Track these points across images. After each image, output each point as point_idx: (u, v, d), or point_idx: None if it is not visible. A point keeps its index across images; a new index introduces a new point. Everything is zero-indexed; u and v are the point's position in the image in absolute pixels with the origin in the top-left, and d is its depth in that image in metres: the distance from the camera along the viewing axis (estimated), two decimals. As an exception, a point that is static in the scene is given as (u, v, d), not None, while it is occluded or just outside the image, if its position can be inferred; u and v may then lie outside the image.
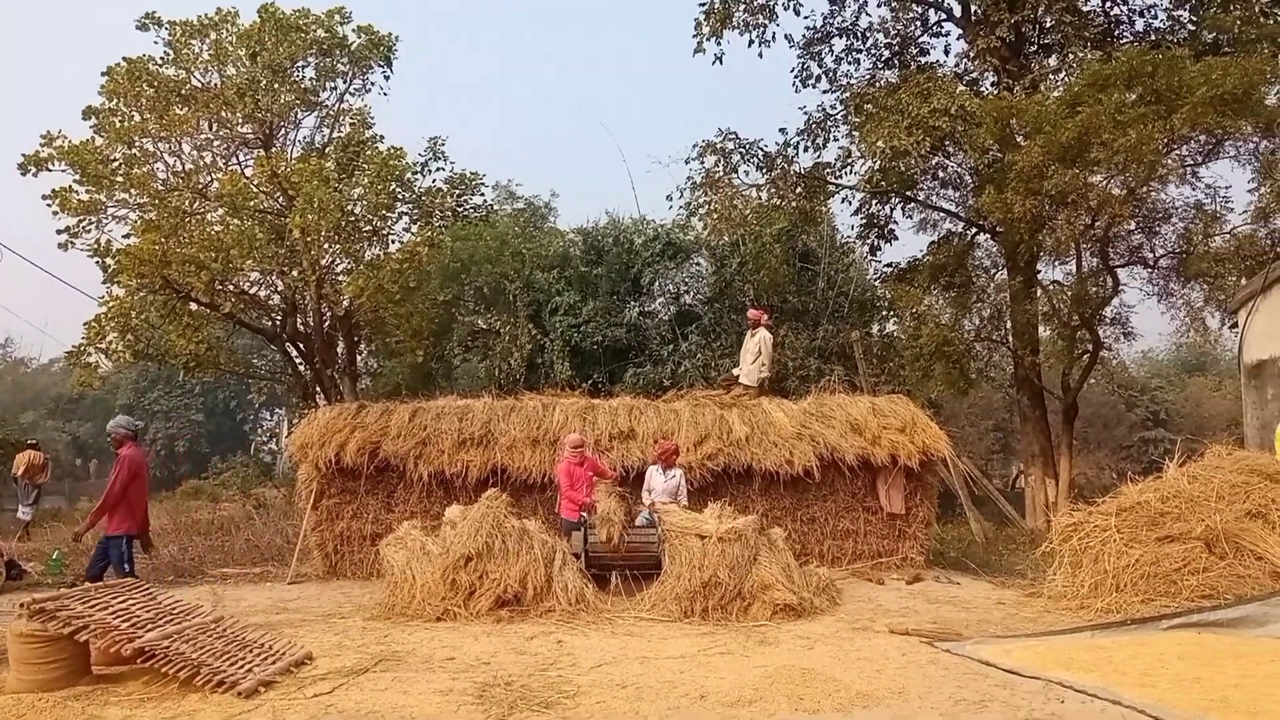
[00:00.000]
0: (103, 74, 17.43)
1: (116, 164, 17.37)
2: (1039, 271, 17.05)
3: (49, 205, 17.07)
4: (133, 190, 17.23)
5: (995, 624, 7.92)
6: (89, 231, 17.36)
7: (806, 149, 18.32)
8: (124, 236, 17.23)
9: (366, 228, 17.20)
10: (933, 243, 18.79)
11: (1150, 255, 16.41)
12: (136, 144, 17.62)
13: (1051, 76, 16.77)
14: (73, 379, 19.45)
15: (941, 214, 18.87)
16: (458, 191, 20.00)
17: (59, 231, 17.28)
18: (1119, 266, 16.45)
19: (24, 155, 17.03)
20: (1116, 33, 17.55)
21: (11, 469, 17.02)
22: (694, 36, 17.82)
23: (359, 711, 5.40)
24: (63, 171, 17.21)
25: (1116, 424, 29.69)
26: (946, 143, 16.57)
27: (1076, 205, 14.20)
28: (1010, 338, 17.27)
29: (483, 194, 20.77)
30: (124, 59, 17.49)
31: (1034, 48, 17.64)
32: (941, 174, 18.34)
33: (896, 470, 11.16)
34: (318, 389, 18.69)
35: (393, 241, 18.39)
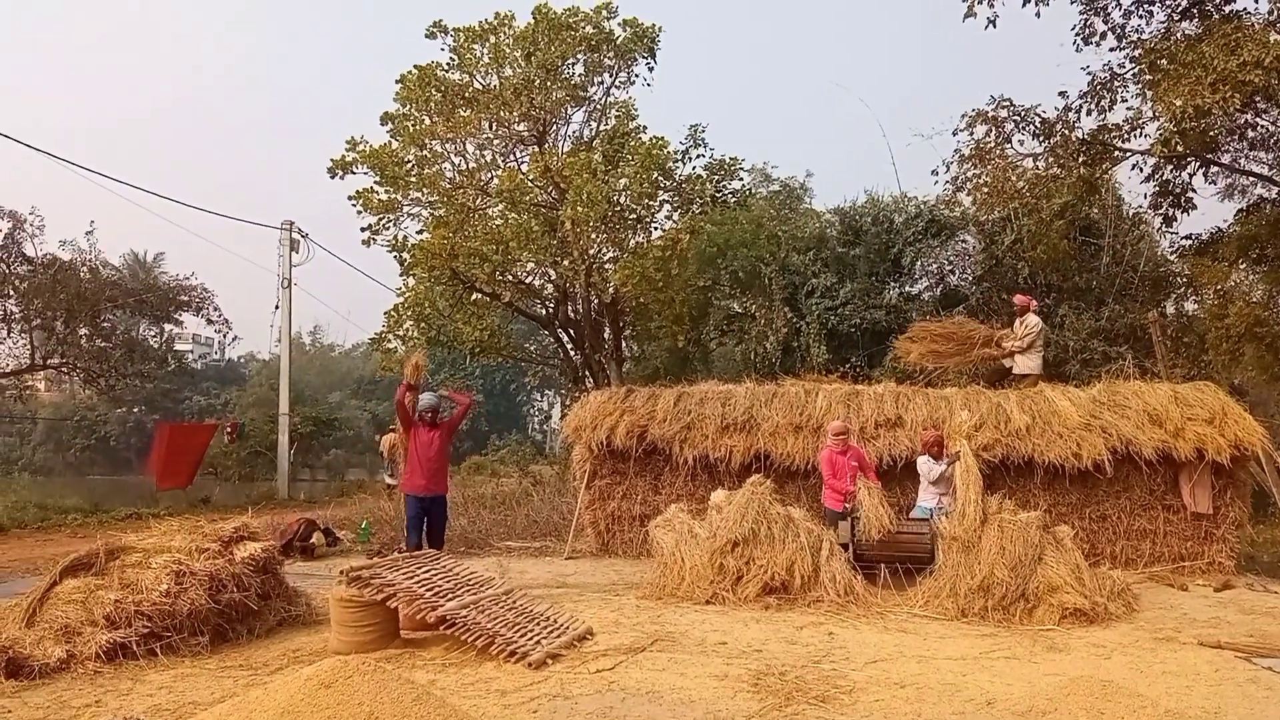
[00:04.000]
0: (396, 81, 19.08)
1: (410, 165, 19.00)
2: (1374, 240, 14.80)
3: (353, 205, 19.00)
4: (424, 189, 18.81)
5: (1324, 641, 7.00)
6: (388, 228, 19.16)
7: (1089, 112, 16.83)
8: (417, 232, 18.88)
9: (631, 217, 17.77)
10: (1240, 210, 16.76)
11: None
12: (427, 145, 19.17)
13: (1392, 15, 14.39)
14: (374, 362, 21.61)
15: (1252, 178, 16.77)
16: (716, 177, 20.19)
17: (362, 229, 19.21)
18: None
19: (332, 160, 19.03)
20: None
21: (378, 447, 19.77)
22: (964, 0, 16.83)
23: (640, 690, 5.61)
24: (364, 174, 19.08)
25: None
26: (1257, 99, 14.66)
27: None
28: (1338, 316, 15.12)
29: (740, 178, 20.86)
30: (415, 66, 19.06)
31: (1367, -16, 15.19)
32: (1251, 134, 16.29)
33: (1203, 466, 10.07)
34: (586, 372, 19.61)
35: (655, 229, 18.90)
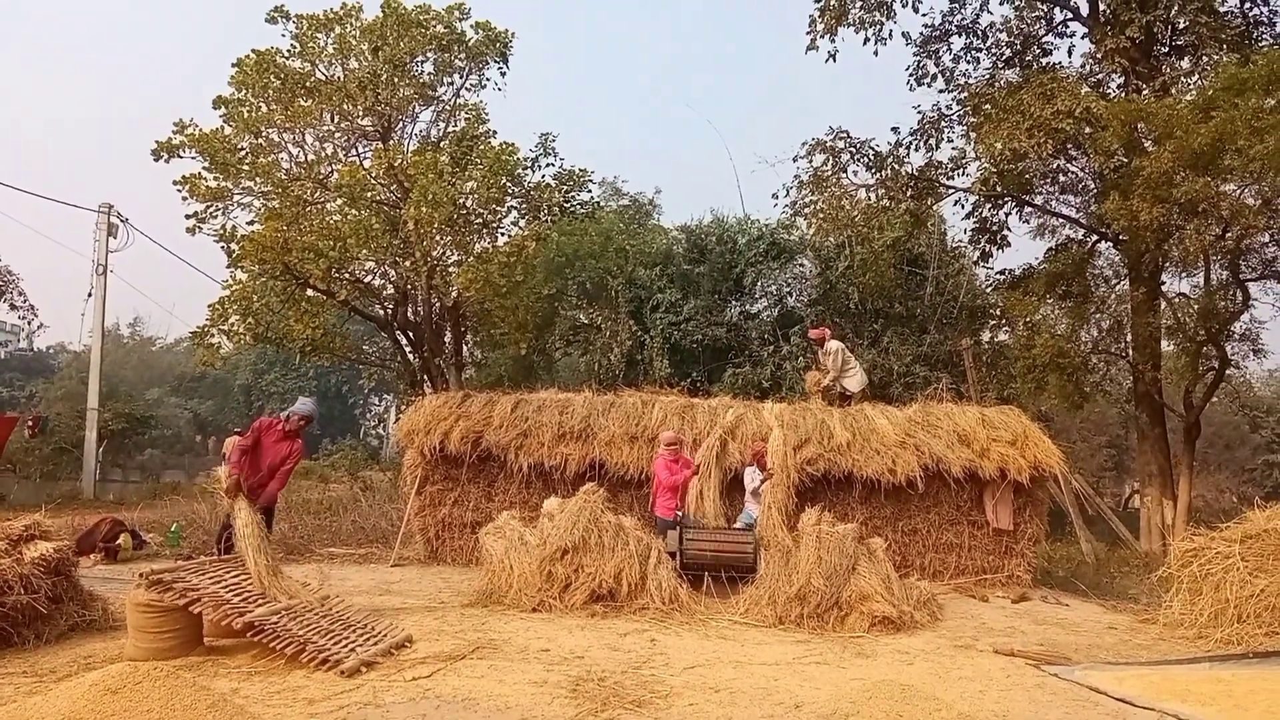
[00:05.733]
0: (233, 65, 18.17)
1: (243, 153, 18.13)
2: (1164, 283, 16.26)
3: (179, 191, 17.93)
4: (258, 179, 17.97)
5: (1106, 649, 7.60)
6: (216, 217, 18.18)
7: (918, 149, 17.87)
8: (248, 223, 18.00)
9: (477, 221, 17.54)
10: (1050, 250, 18.11)
11: (1285, 269, 15.45)
12: (263, 134, 18.35)
13: (1184, 79, 15.95)
14: (196, 358, 20.47)
15: (1060, 220, 18.16)
16: (565, 187, 20.21)
17: (188, 216, 18.15)
18: (1250, 280, 15.53)
19: (157, 142, 17.91)
20: (1255, 34, 16.56)
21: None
22: (808, 34, 17.54)
23: (456, 697, 5.50)
24: (193, 159, 18.05)
25: (1239, 445, 28.20)
26: (1068, 146, 15.94)
27: (1207, 215, 13.47)
28: (1130, 351, 16.52)
29: (589, 190, 20.97)
30: (253, 51, 18.20)
31: (1165, 49, 16.79)
32: (1062, 178, 17.66)
33: (1005, 485, 10.78)
34: (425, 377, 19.17)
35: (501, 235, 18.72)
